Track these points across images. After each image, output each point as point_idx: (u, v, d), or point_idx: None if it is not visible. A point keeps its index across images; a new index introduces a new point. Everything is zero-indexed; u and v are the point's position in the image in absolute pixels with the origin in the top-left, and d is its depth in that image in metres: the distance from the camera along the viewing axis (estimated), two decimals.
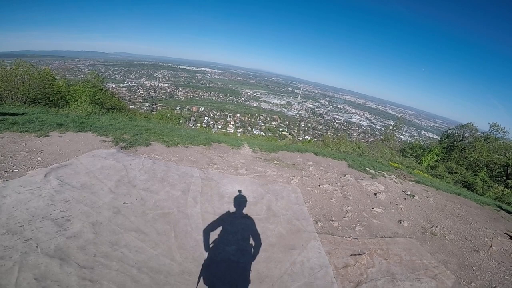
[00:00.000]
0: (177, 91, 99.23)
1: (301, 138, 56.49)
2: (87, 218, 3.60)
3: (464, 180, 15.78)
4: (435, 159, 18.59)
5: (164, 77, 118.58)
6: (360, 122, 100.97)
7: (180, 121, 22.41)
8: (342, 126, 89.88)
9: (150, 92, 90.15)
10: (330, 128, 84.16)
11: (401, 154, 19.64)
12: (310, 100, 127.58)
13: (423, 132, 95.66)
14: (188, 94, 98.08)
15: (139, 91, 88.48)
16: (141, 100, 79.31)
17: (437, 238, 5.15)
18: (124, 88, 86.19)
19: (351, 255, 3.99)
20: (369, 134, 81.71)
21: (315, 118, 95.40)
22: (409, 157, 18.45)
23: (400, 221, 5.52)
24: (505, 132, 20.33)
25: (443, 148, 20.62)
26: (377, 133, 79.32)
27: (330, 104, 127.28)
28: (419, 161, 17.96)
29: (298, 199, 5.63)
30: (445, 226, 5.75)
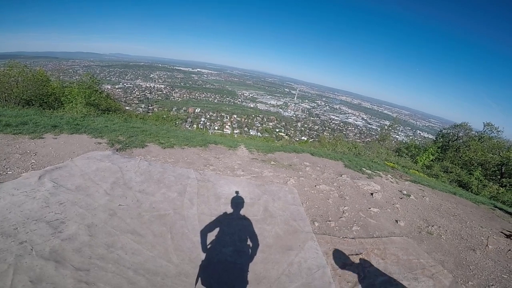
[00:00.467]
0: (173, 92, 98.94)
1: (297, 139, 56.62)
2: (83, 220, 3.56)
3: (459, 179, 15.93)
4: (431, 159, 18.75)
5: (160, 78, 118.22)
6: (356, 123, 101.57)
7: (176, 122, 22.32)
8: (338, 127, 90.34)
9: (146, 93, 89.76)
10: (327, 128, 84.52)
11: (397, 154, 19.78)
12: (307, 100, 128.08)
13: (418, 131, 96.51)
14: (184, 95, 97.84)
15: (135, 92, 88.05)
16: (137, 101, 78.92)
17: (434, 237, 5.18)
18: (119, 89, 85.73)
19: (349, 255, 4.00)
20: (365, 134, 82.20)
21: (312, 118, 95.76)
22: (405, 157, 18.60)
23: (396, 221, 5.54)
24: (499, 131, 20.60)
25: (438, 148, 20.81)
26: (373, 133, 79.84)
27: (326, 104, 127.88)
28: (414, 160, 18.09)
29: (295, 199, 5.63)
30: (441, 225, 5.79)
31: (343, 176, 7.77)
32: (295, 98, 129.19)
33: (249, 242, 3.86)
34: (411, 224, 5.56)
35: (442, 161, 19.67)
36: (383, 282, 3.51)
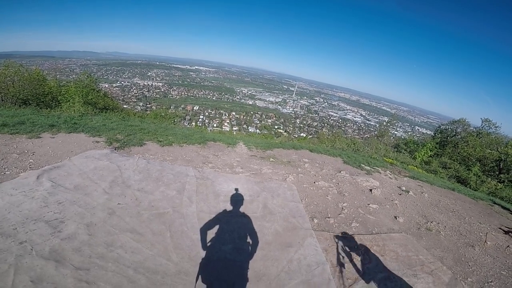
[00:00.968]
0: (171, 90, 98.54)
1: (296, 135, 56.65)
2: (82, 219, 3.55)
3: (457, 175, 15.99)
4: (429, 154, 18.80)
5: (158, 76, 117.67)
6: (354, 119, 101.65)
7: (175, 120, 22.24)
8: (337, 123, 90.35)
9: (144, 92, 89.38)
10: (325, 125, 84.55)
11: (396, 149, 19.83)
12: (305, 97, 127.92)
13: (416, 127, 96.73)
14: (183, 93, 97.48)
15: (133, 91, 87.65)
16: (135, 100, 78.62)
17: (433, 233, 5.21)
18: (117, 88, 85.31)
19: (348, 251, 4.02)
20: (363, 131, 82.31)
21: (310, 115, 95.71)
22: (404, 153, 18.64)
23: (395, 217, 5.57)
24: (497, 127, 20.67)
25: (436, 144, 20.87)
26: (372, 129, 79.95)
27: (325, 101, 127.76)
28: (413, 156, 18.15)
29: (294, 196, 5.64)
30: (440, 221, 5.82)
31: (342, 172, 7.78)
32: (294, 95, 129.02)
33: (248, 240, 3.87)
34: (410, 220, 5.59)
35: (440, 157, 19.74)
36: (382, 278, 3.53)
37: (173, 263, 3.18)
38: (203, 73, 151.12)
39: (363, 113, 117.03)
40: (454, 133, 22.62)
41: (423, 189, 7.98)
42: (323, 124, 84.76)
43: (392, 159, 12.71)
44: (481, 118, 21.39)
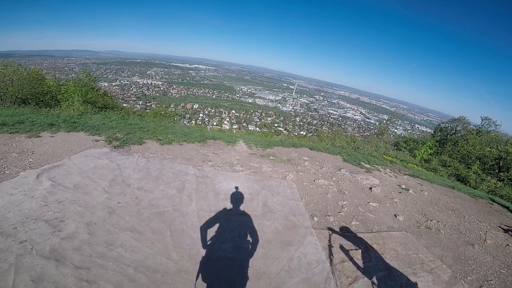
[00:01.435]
0: (171, 88, 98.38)
1: (296, 134, 56.63)
2: (82, 218, 3.55)
3: (457, 173, 16.00)
4: (429, 152, 18.81)
5: (157, 75, 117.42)
6: (354, 117, 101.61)
7: (175, 118, 22.22)
8: (337, 121, 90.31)
9: (144, 90, 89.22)
10: (325, 123, 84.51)
11: (395, 147, 19.83)
12: (305, 95, 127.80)
13: (416, 126, 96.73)
14: (182, 91, 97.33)
15: (132, 89, 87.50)
16: (135, 98, 78.49)
17: (432, 232, 5.21)
18: (116, 87, 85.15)
19: (348, 250, 4.02)
20: (363, 129, 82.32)
21: (310, 113, 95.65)
22: (403, 151, 18.65)
23: (395, 215, 5.57)
24: (497, 125, 20.67)
25: (436, 142, 20.88)
26: (372, 127, 79.94)
27: (325, 99, 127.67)
28: (413, 154, 18.15)
29: (294, 194, 5.64)
30: (439, 219, 5.83)
31: (342, 170, 7.78)
32: (294, 93, 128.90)
33: (248, 238, 3.87)
34: (410, 219, 5.59)
35: (440, 155, 19.75)
36: (382, 277, 3.53)
37: (173, 261, 3.18)
38: (203, 72, 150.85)
39: (363, 111, 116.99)
40: (454, 131, 22.62)
41: (423, 187, 7.98)
42: (323, 122, 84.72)
43: (392, 157, 12.71)
44: (481, 116, 21.41)
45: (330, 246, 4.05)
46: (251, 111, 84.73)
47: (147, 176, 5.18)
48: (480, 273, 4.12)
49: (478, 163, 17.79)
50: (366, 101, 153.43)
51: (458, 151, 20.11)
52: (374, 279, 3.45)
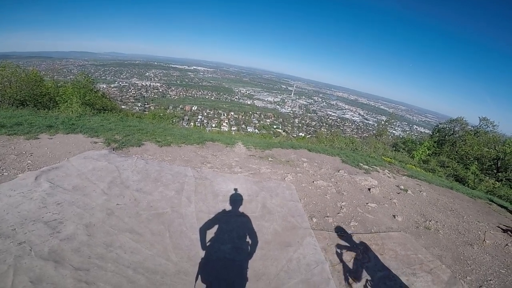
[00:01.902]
0: (170, 90, 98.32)
1: (295, 135, 56.68)
2: (80, 220, 3.55)
3: (455, 173, 16.05)
4: (427, 153, 18.86)
5: (156, 77, 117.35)
6: (353, 118, 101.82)
7: (173, 120, 22.21)
8: (336, 122, 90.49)
9: (142, 92, 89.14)
10: (324, 124, 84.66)
11: (394, 148, 19.88)
12: (304, 97, 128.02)
13: (415, 126, 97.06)
14: (181, 93, 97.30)
15: (131, 91, 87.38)
16: (133, 100, 78.39)
17: (431, 232, 5.23)
18: (115, 88, 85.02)
19: (347, 251, 4.03)
20: (362, 130, 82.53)
21: (309, 114, 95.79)
22: (402, 152, 18.69)
23: (394, 216, 5.59)
24: (495, 125, 20.75)
25: (435, 142, 20.94)
26: (370, 128, 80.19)
27: (323, 100, 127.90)
28: (411, 155, 18.20)
29: (293, 195, 5.65)
30: (438, 220, 5.84)
31: (340, 171, 7.80)
32: (292, 94, 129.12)
33: (247, 239, 3.87)
34: (408, 219, 5.61)
35: (438, 155, 19.81)
36: (381, 277, 3.54)
37: (172, 263, 3.18)
38: (201, 73, 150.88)
39: (362, 112, 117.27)
40: (452, 132, 22.69)
41: (421, 188, 8.01)
42: (321, 124, 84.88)
43: (391, 158, 12.75)
44: (479, 117, 21.48)
45: (329, 246, 4.06)
46: (250, 112, 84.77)
47: (146, 178, 5.18)
48: (479, 273, 4.13)
49: (476, 163, 17.85)
50: (365, 103, 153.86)
51: (456, 152, 20.17)
52: (373, 280, 3.45)
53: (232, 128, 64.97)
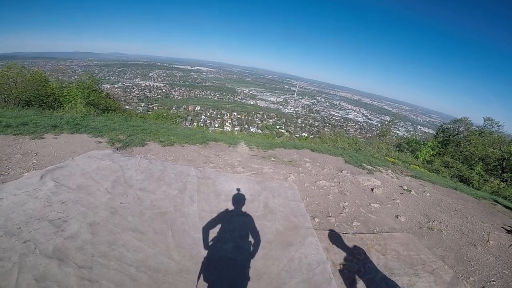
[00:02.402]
0: (173, 90, 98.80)
1: (298, 135, 56.62)
2: (84, 218, 3.59)
3: (460, 174, 15.92)
4: (431, 154, 18.73)
5: (159, 77, 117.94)
6: (356, 118, 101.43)
7: (176, 120, 22.33)
8: (339, 123, 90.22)
9: (146, 92, 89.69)
10: (327, 124, 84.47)
11: (398, 149, 19.77)
12: (307, 97, 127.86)
13: (419, 127, 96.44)
14: (184, 93, 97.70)
15: (134, 91, 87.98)
16: (137, 100, 78.91)
17: (434, 232, 5.20)
18: (119, 89, 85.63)
19: (349, 250, 4.02)
20: (365, 130, 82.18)
21: (312, 115, 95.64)
22: (406, 152, 18.59)
23: (397, 216, 5.56)
24: (499, 125, 20.57)
25: (439, 143, 20.80)
26: (374, 128, 79.81)
27: (326, 100, 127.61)
28: (415, 155, 18.09)
29: (295, 195, 5.65)
30: (442, 220, 5.81)
31: (343, 171, 7.78)
32: (295, 94, 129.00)
33: (249, 239, 3.88)
34: (411, 220, 5.58)
35: (443, 156, 19.66)
36: (383, 277, 3.53)
37: (174, 261, 3.21)
38: (204, 74, 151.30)
39: (365, 112, 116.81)
40: (457, 132, 22.51)
41: (425, 188, 7.96)
42: (324, 124, 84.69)
43: (394, 158, 12.68)
44: (484, 117, 21.30)
45: (330, 246, 4.06)
46: (253, 113, 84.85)
47: (149, 177, 5.22)
48: (482, 274, 4.10)
49: (481, 164, 17.70)
50: (368, 103, 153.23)
51: (461, 152, 20.01)
52: (375, 280, 3.45)
53: (235, 128, 65.09)
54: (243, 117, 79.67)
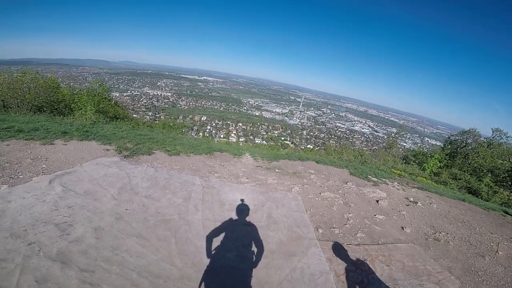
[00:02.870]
0: (180, 100, 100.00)
1: (303, 147, 56.48)
2: (90, 223, 3.64)
3: (468, 186, 15.62)
4: (438, 166, 18.47)
5: (167, 86, 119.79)
6: (362, 130, 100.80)
7: (183, 130, 22.57)
8: (345, 134, 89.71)
9: (153, 101, 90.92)
10: (333, 136, 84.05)
11: (404, 161, 19.56)
12: (312, 108, 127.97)
13: (426, 139, 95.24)
14: (191, 103, 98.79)
15: (142, 100, 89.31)
16: (144, 109, 79.97)
17: (441, 243, 5.11)
18: (127, 97, 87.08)
19: (353, 261, 3.98)
20: (372, 142, 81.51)
21: (317, 126, 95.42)
22: (412, 164, 18.36)
23: (402, 228, 5.49)
24: (508, 137, 20.23)
25: (446, 155, 20.51)
26: (380, 141, 79.14)
27: (332, 112, 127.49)
28: (422, 168, 17.86)
29: (299, 206, 5.64)
30: (449, 232, 5.70)
31: (348, 183, 7.74)
32: (301, 105, 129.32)
33: (252, 248, 3.88)
34: (417, 231, 5.50)
35: (450, 168, 19.36)
36: None
37: (176, 268, 3.22)
38: (211, 84, 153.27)
39: (371, 124, 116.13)
40: (465, 144, 22.18)
41: (431, 200, 7.84)
42: (330, 136, 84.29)
43: (400, 171, 12.55)
44: (492, 128, 21.00)
45: (334, 257, 4.02)
46: (258, 124, 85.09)
47: (155, 185, 5.29)
48: (490, 284, 4.00)
49: (490, 175, 17.36)
50: (374, 114, 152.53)
51: (469, 164, 19.67)
52: None
53: (240, 139, 65.27)
54: (248, 128, 79.96)
